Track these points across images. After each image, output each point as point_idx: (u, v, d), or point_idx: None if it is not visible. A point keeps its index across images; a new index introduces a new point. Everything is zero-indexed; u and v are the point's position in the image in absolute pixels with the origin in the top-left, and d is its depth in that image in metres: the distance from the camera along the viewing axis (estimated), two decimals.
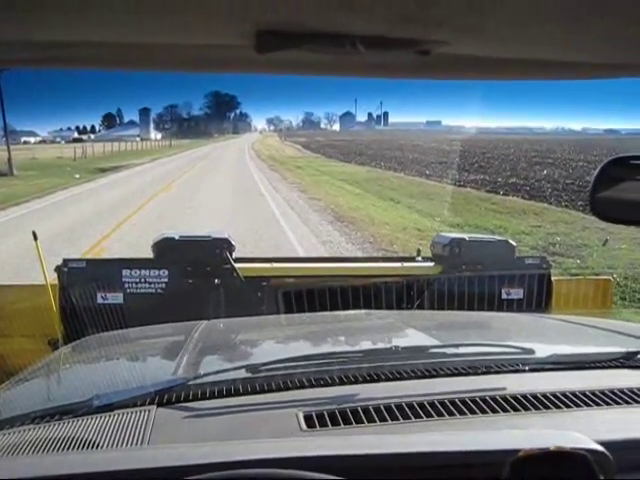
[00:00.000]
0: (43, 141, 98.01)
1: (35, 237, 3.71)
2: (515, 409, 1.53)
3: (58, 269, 3.64)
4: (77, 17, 0.85)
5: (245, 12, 0.82)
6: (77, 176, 30.75)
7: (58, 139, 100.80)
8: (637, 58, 1.05)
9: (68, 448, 1.35)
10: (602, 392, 1.62)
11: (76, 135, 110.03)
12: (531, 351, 1.90)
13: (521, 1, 0.80)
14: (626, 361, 1.88)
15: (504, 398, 1.58)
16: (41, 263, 3.61)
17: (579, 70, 1.15)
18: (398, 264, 4.12)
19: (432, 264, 4.01)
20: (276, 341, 2.64)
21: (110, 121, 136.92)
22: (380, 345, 2.23)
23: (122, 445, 1.37)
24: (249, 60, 1.00)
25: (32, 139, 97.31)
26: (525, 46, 0.98)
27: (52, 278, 3.68)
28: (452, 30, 0.87)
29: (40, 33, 0.89)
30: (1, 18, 0.82)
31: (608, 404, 1.56)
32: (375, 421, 1.47)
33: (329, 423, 1.46)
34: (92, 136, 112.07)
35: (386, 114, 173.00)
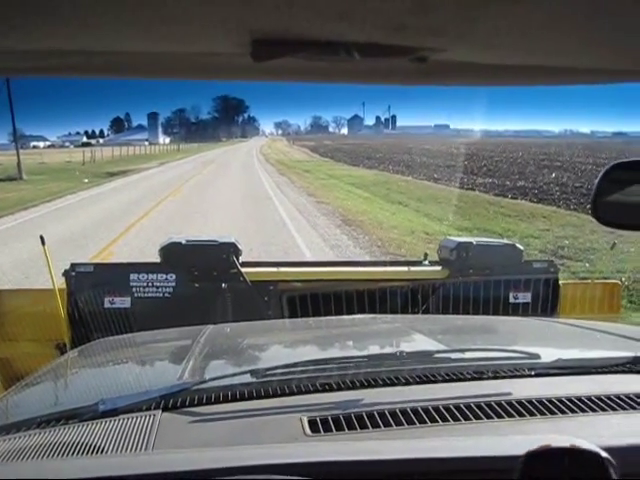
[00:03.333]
0: (52, 145, 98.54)
1: (43, 242, 3.71)
2: (520, 414, 1.52)
3: (66, 273, 3.65)
4: (75, 26, 0.85)
5: (241, 21, 0.83)
6: (86, 180, 30.90)
7: (67, 143, 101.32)
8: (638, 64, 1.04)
9: (73, 453, 1.35)
10: (608, 397, 1.61)
11: (85, 139, 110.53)
12: (537, 356, 1.89)
13: (516, 8, 0.79)
14: (633, 366, 1.86)
15: (509, 403, 1.57)
16: (49, 267, 3.61)
17: (578, 76, 1.14)
18: (405, 268, 4.11)
19: (439, 268, 3.99)
20: (282, 346, 2.64)
21: (119, 125, 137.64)
22: (385, 350, 2.23)
23: (127, 450, 1.37)
24: (246, 68, 1.00)
25: (41, 144, 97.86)
26: (522, 52, 0.97)
27: (60, 282, 3.69)
28: (448, 37, 0.86)
29: (38, 42, 0.90)
30: (1, 27, 0.83)
31: (614, 409, 1.55)
32: (380, 426, 1.46)
33: (333, 428, 1.46)
34: (101, 140, 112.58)
35: (394, 117, 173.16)
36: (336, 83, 1.16)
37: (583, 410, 1.54)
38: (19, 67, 1.05)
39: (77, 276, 3.64)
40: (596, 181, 1.93)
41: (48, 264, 3.61)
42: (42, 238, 3.72)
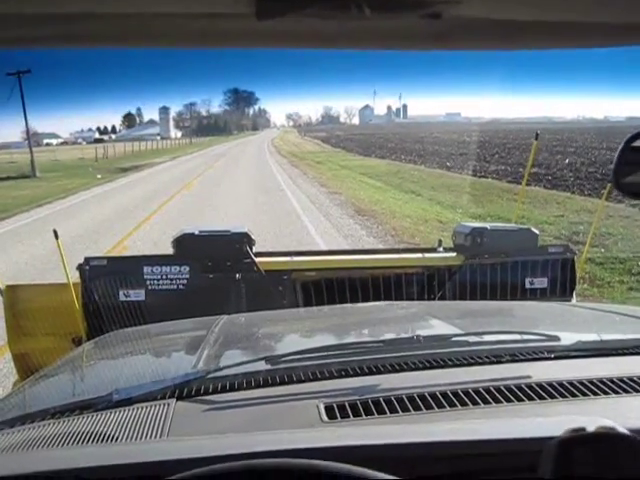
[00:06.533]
0: (65, 142, 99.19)
1: (56, 236, 3.71)
2: (541, 397, 1.50)
3: (80, 267, 3.65)
4: None
5: None
6: (99, 176, 31.04)
7: (80, 140, 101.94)
8: None
9: (87, 442, 1.34)
10: (630, 379, 1.59)
11: (97, 136, 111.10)
12: (556, 338, 1.86)
13: None
14: None
15: (529, 386, 1.55)
16: (63, 261, 3.61)
17: (610, 35, 1.06)
18: (419, 255, 4.08)
19: (454, 254, 3.96)
20: (297, 334, 2.62)
21: (130, 121, 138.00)
22: (402, 335, 2.20)
23: (141, 439, 1.35)
24: (250, 32, 0.96)
25: (54, 141, 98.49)
26: (545, 6, 0.91)
27: (74, 277, 3.70)
28: None
29: (29, 6, 0.86)
30: None
31: (637, 391, 1.53)
32: (397, 412, 1.44)
33: (350, 414, 1.44)
34: (113, 136, 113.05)
35: (405, 107, 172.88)
36: (346, 48, 1.11)
37: (605, 392, 1.52)
38: (12, 36, 1.01)
39: (91, 270, 3.64)
40: (617, 151, 1.88)
41: (62, 258, 3.61)
42: (55, 232, 3.71)
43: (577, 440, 1.02)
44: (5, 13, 0.86)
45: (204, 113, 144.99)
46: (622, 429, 1.06)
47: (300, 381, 1.67)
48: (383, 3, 0.82)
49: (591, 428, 1.03)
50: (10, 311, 3.71)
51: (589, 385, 1.55)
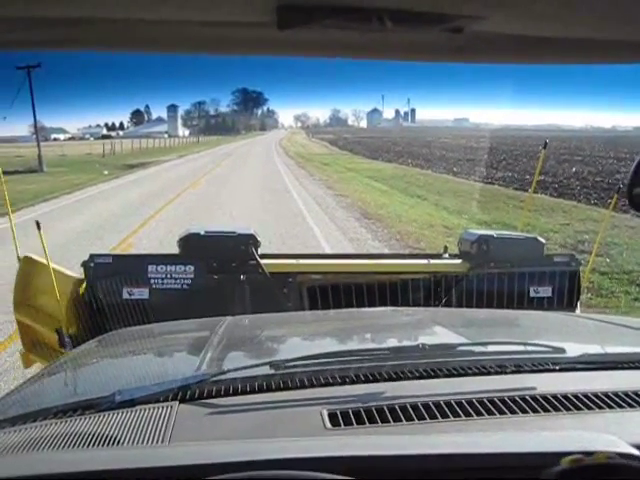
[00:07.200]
0: (72, 138, 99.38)
1: (38, 227, 3.73)
2: (545, 410, 1.49)
3: (85, 264, 3.65)
4: None
5: None
6: (106, 172, 31.10)
7: (87, 136, 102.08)
8: None
9: (89, 444, 1.33)
10: (635, 393, 1.57)
11: (105, 132, 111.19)
12: (562, 350, 1.85)
13: None
14: None
15: (534, 398, 1.54)
16: (45, 253, 3.64)
17: (628, 52, 1.05)
18: (425, 261, 4.07)
19: (460, 261, 3.95)
20: (301, 338, 2.61)
21: (138, 118, 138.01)
22: (407, 343, 2.19)
23: (143, 441, 1.35)
24: (271, 40, 0.95)
25: (62, 136, 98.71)
26: (565, 23, 0.89)
27: (79, 273, 3.71)
28: (485, 4, 0.81)
29: (48, 10, 0.86)
30: None
31: None
32: (401, 420, 1.43)
33: (354, 422, 1.43)
34: (120, 133, 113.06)
35: (413, 111, 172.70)
36: (364, 59, 1.10)
37: (610, 406, 1.51)
38: (27, 39, 1.00)
39: (96, 267, 3.64)
40: (632, 168, 1.84)
41: (44, 249, 3.64)
42: (38, 223, 3.72)
43: (578, 471, 1.01)
44: (13, 17, 0.85)
45: (212, 112, 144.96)
46: (626, 449, 1.05)
47: (304, 387, 1.66)
48: (405, 17, 0.80)
49: (595, 447, 1.02)
50: (21, 280, 3.82)
51: (594, 399, 1.54)
